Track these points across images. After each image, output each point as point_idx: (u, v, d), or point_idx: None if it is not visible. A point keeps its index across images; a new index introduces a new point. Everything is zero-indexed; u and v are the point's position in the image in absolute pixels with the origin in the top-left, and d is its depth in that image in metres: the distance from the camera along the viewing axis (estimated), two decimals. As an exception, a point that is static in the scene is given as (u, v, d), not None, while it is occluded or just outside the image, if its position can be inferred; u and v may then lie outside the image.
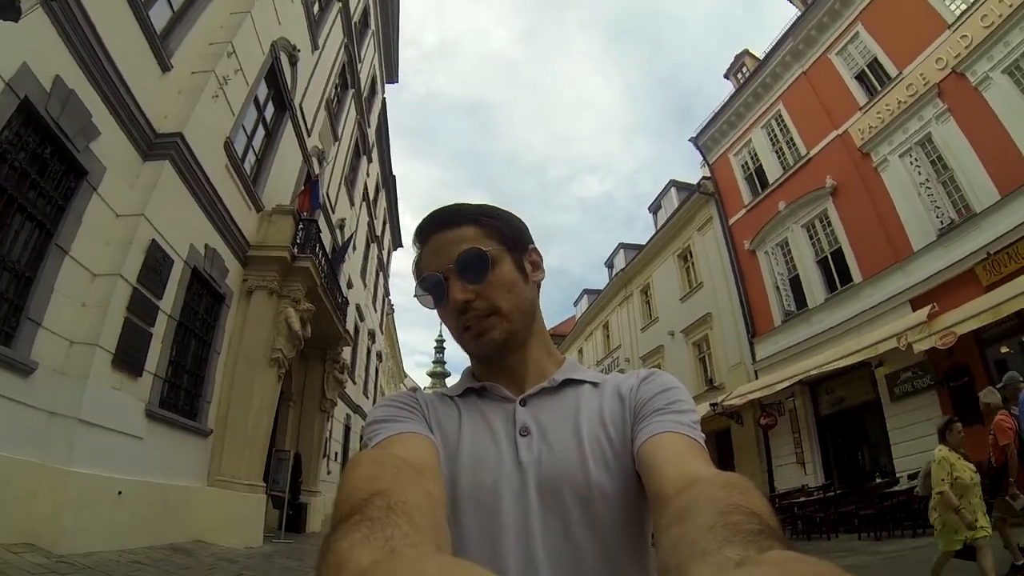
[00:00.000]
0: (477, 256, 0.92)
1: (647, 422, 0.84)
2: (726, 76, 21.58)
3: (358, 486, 0.57)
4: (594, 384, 0.98)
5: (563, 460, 0.87)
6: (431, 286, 0.94)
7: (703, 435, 0.84)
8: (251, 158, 11.17)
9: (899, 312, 12.81)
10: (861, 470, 13.79)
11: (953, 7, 12.46)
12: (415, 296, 0.99)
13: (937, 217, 12.37)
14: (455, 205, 1.00)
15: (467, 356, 1.04)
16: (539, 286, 1.04)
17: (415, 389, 1.05)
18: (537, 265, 1.03)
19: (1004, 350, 10.94)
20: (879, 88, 14.25)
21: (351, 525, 0.46)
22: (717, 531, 0.45)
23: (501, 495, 0.85)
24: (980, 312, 10.30)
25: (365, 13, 20.05)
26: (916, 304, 12.39)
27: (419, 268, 0.99)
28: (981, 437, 10.24)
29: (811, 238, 16.21)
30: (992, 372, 10.93)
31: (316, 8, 14.16)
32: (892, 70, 13.88)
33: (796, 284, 16.53)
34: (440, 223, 0.97)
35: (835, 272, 15.23)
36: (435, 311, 0.99)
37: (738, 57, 21.19)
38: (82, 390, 6.34)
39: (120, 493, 6.72)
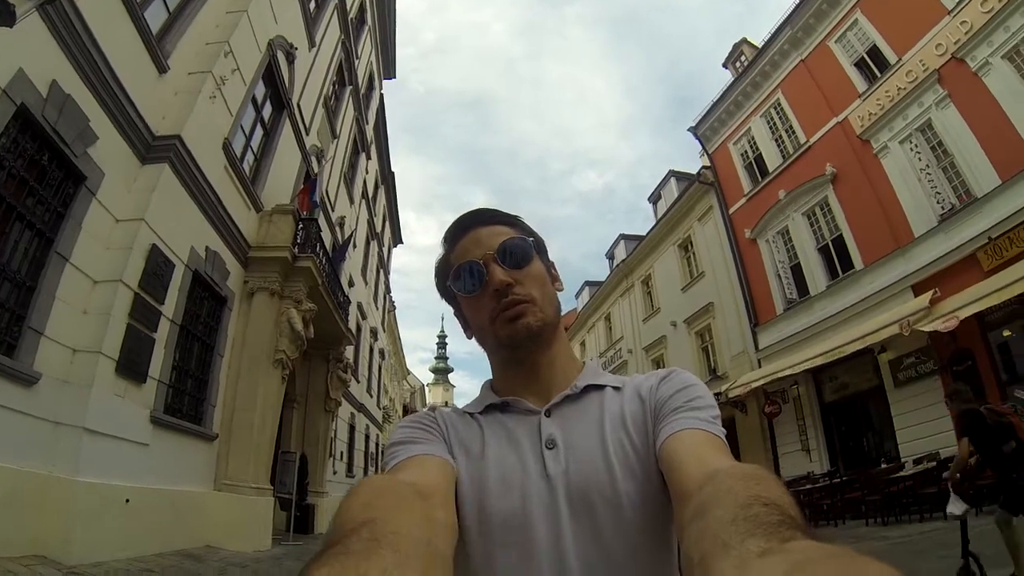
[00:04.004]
0: (519, 244, 0.97)
1: (667, 420, 0.84)
2: (724, 65, 21.49)
3: (350, 515, 0.57)
4: (616, 388, 0.98)
5: (590, 469, 0.86)
6: (469, 272, 0.96)
7: (723, 430, 0.84)
8: (250, 158, 11.09)
9: (901, 298, 12.86)
10: (866, 456, 13.82)
11: (953, -8, 12.40)
12: (448, 285, 1.01)
13: (938, 203, 12.39)
14: (490, 208, 1.06)
15: (484, 353, 1.04)
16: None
17: (434, 408, 1.05)
18: (556, 277, 1.05)
19: (1006, 334, 11.05)
20: (878, 75, 14.21)
21: (330, 556, 0.46)
22: (739, 524, 0.46)
23: (531, 511, 0.85)
24: (982, 296, 10.33)
25: (361, 9, 19.91)
26: (918, 290, 12.45)
27: (450, 262, 1.01)
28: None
29: (812, 226, 16.24)
30: (995, 356, 11.00)
31: (312, 5, 14.04)
32: (891, 57, 13.84)
33: (797, 272, 16.59)
34: (480, 219, 1.02)
35: (836, 259, 15.27)
36: (450, 310, 1.07)
37: (736, 46, 21.06)
38: (86, 399, 6.28)
39: (128, 501, 6.69)
